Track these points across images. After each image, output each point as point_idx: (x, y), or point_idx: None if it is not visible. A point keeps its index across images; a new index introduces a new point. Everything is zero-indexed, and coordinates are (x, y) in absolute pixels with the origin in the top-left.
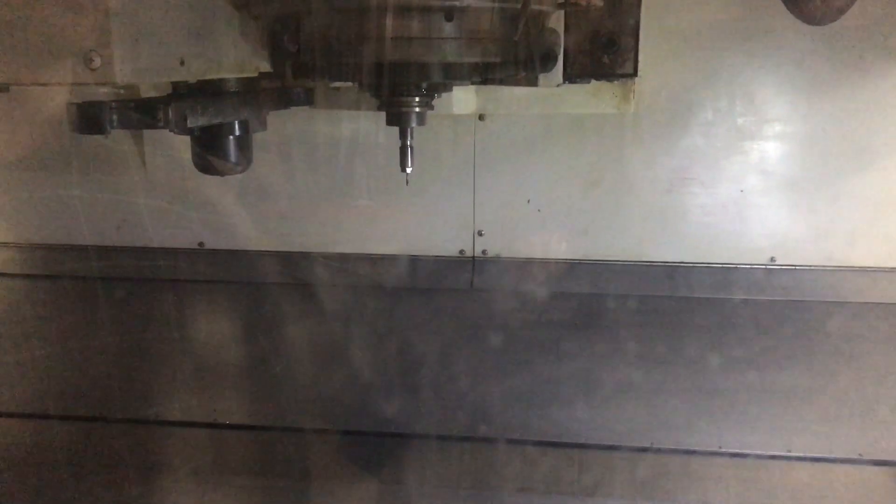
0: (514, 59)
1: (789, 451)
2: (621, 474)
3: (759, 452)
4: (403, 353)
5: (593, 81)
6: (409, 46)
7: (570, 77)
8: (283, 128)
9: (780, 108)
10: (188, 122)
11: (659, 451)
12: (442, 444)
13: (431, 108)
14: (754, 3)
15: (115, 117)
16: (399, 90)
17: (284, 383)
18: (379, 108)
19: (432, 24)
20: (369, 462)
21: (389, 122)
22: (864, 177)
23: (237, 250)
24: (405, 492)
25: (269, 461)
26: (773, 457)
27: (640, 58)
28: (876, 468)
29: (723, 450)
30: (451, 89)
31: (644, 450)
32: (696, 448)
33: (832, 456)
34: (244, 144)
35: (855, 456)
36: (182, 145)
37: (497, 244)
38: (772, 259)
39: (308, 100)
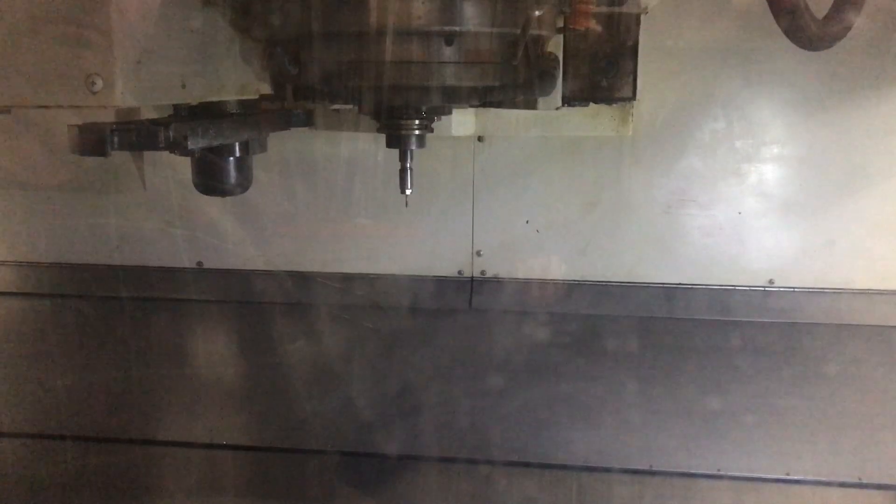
0: (513, 82)
1: (788, 475)
2: (619, 497)
3: (758, 476)
4: (401, 373)
5: (592, 104)
6: (409, 70)
7: (568, 100)
8: (282, 149)
9: (778, 131)
10: (189, 143)
11: (658, 473)
12: (439, 466)
13: (431, 130)
14: (751, 26)
15: (115, 139)
16: (399, 113)
17: (281, 403)
18: (379, 131)
19: (432, 47)
20: (366, 484)
21: (389, 145)
22: (862, 199)
23: (236, 270)
24: None
25: (265, 482)
26: (772, 480)
27: (638, 80)
28: (876, 492)
29: (722, 473)
30: (450, 112)
31: (642, 472)
32: (695, 471)
33: (832, 479)
34: (244, 165)
35: (855, 479)
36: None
37: (495, 265)
38: (770, 281)
39: (308, 121)
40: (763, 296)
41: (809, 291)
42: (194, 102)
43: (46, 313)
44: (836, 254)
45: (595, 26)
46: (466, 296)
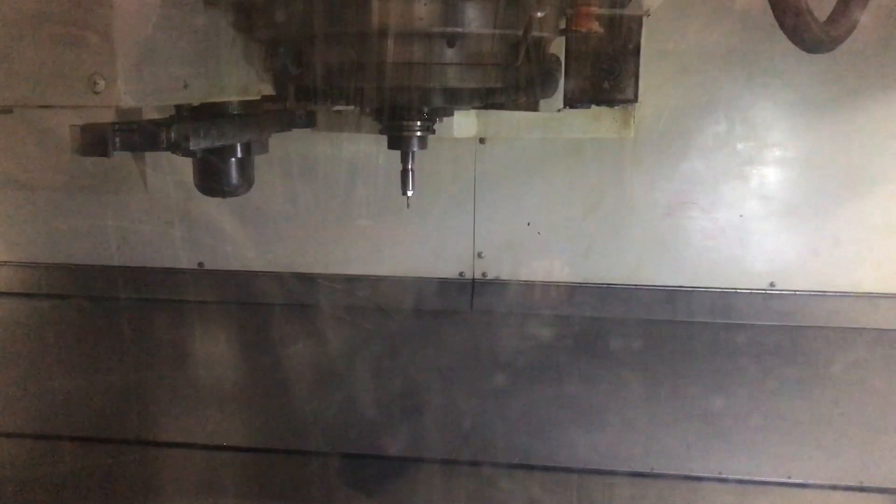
0: (515, 84)
1: (789, 478)
2: (620, 500)
3: (759, 479)
4: (402, 375)
5: (594, 106)
6: (411, 71)
7: (570, 102)
8: (284, 150)
9: (780, 134)
10: (190, 144)
11: (659, 476)
12: (439, 468)
13: (433, 132)
14: (754, 29)
15: (117, 139)
16: (400, 114)
17: (281, 405)
18: (380, 132)
19: (434, 49)
20: (367, 485)
21: (391, 146)
22: (863, 202)
23: (237, 271)
24: None
25: (265, 483)
26: (773, 483)
27: (640, 83)
28: (877, 496)
29: (723, 476)
30: (452, 113)
31: (643, 475)
32: (696, 474)
33: (833, 483)
34: (246, 166)
35: (855, 483)
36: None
37: (497, 266)
38: (771, 284)
39: (310, 122)
40: (764, 299)
41: (810, 294)
42: (196, 103)
43: (47, 314)
44: (838, 257)
45: (597, 28)
46: (468, 297)
